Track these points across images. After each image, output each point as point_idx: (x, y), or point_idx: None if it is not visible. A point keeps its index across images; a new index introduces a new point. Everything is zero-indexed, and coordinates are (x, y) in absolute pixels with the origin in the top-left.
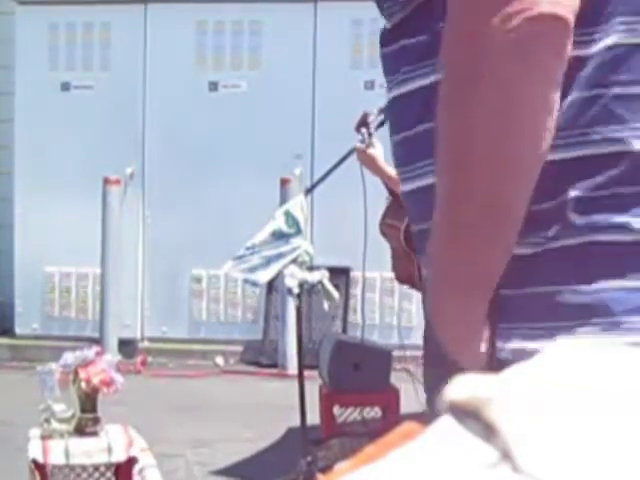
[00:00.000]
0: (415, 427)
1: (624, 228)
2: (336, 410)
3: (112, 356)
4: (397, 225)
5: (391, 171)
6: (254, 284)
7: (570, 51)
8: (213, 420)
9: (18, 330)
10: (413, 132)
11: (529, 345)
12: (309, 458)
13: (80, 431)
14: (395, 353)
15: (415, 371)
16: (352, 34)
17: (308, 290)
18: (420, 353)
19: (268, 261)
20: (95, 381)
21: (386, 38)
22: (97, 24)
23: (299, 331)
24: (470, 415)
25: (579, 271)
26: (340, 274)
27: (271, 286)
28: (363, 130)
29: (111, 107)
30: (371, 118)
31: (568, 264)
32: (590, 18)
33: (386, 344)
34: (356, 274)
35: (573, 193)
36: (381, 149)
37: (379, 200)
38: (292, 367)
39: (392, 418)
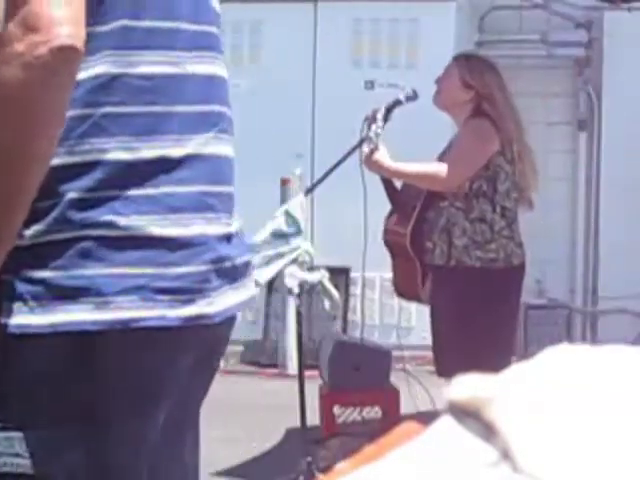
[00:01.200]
0: (415, 427)
1: (110, 225)
2: (336, 410)
3: None
4: (401, 231)
5: (403, 167)
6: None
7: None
8: (213, 420)
9: None
10: None
11: (32, 321)
12: (309, 458)
13: None
14: (395, 353)
15: (415, 371)
16: (352, 33)
17: (308, 290)
18: (420, 353)
19: (268, 261)
20: None
21: None
22: None
23: (299, 331)
24: (470, 415)
25: (74, 259)
26: (340, 274)
27: (271, 286)
28: (371, 134)
29: None
30: (378, 116)
31: (65, 253)
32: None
33: (386, 344)
34: (356, 274)
35: (69, 194)
36: (384, 149)
37: (379, 200)
38: (292, 367)
39: (392, 418)
